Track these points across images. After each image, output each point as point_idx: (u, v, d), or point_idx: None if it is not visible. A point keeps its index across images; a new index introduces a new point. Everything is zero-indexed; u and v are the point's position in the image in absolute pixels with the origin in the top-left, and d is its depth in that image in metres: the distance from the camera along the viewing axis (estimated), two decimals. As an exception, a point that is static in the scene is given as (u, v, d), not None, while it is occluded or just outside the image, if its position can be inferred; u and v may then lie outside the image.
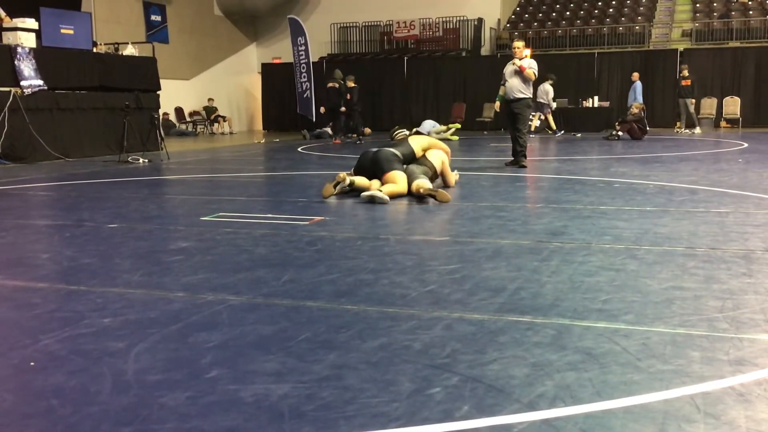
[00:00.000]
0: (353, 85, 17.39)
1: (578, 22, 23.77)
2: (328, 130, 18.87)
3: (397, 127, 8.37)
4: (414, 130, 16.74)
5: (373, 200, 6.66)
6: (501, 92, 10.30)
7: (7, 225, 5.79)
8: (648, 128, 16.52)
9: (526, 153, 10.04)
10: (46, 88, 12.55)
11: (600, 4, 24.43)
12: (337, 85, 17.54)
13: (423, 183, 6.81)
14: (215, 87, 24.07)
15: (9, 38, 12.28)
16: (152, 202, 7.14)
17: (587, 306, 3.28)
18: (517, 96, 9.87)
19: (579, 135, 18.27)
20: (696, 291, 3.50)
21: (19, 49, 12.13)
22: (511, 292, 3.52)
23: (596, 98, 20.12)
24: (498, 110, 11.08)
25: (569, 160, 11.42)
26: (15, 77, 12.00)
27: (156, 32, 21.35)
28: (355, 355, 2.68)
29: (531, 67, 9.78)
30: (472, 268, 4.04)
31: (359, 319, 3.13)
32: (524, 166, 9.83)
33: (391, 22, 24.84)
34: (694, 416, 2.14)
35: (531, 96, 10.04)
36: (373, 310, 3.26)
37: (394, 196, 6.83)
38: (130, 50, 15.07)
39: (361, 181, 7.15)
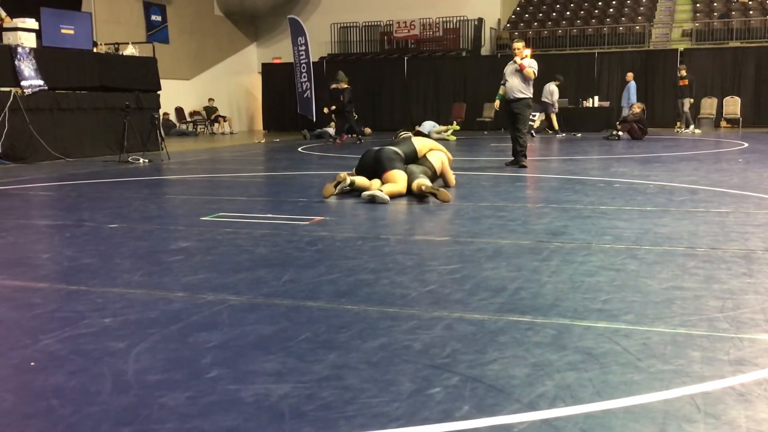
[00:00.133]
0: (346, 86, 17.43)
1: (578, 22, 23.78)
2: (329, 130, 18.89)
3: (400, 130, 8.40)
4: (415, 130, 16.77)
5: (373, 200, 6.66)
6: (501, 92, 10.30)
7: (8, 225, 5.80)
8: (648, 128, 16.52)
9: (526, 153, 10.04)
10: (46, 88, 12.55)
11: (600, 4, 24.43)
12: (350, 87, 17.73)
13: (424, 182, 6.81)
14: (215, 87, 24.07)
15: (9, 38, 12.28)
16: (152, 202, 7.14)
17: (587, 306, 3.28)
18: (517, 96, 9.87)
19: (579, 135, 18.27)
20: (696, 291, 3.50)
21: (20, 49, 12.14)
22: (511, 292, 3.52)
23: (596, 98, 20.12)
24: (498, 109, 11.08)
25: (569, 160, 11.42)
26: (15, 77, 12.01)
27: (156, 32, 21.36)
28: (356, 355, 2.68)
29: (531, 66, 9.78)
30: (473, 268, 4.04)
31: (359, 319, 3.13)
32: (524, 166, 9.82)
33: (391, 22, 24.84)
34: (694, 416, 2.14)
35: (531, 96, 10.05)
36: (373, 310, 3.26)
37: (393, 196, 6.83)
38: (130, 50, 15.08)
39: (361, 180, 7.16)
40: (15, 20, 12.43)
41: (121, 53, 15.00)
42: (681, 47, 21.31)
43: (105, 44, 15.17)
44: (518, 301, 3.36)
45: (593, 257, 4.26)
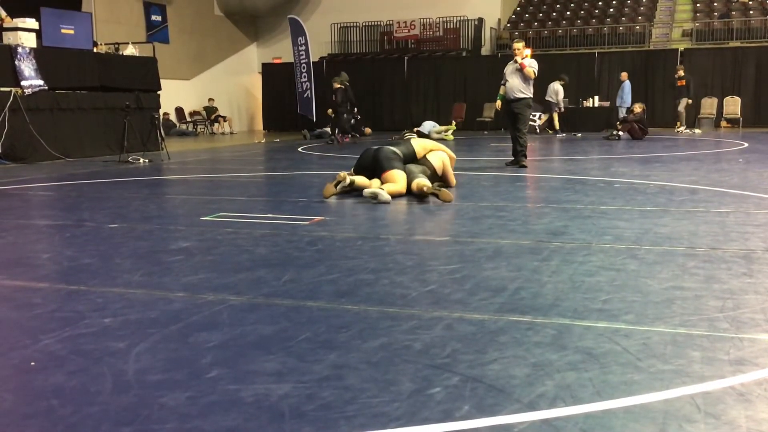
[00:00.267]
0: (338, 86, 17.46)
1: (579, 21, 23.77)
2: (329, 130, 18.91)
3: (405, 131, 8.42)
4: (415, 130, 16.76)
5: (375, 197, 6.64)
6: (501, 92, 10.31)
7: (8, 225, 5.80)
8: (648, 128, 16.52)
9: (526, 153, 10.04)
10: (46, 88, 12.55)
11: (600, 3, 24.43)
12: (342, 87, 17.75)
13: (424, 182, 6.81)
14: (215, 87, 24.07)
15: (9, 38, 12.28)
16: (152, 202, 7.14)
17: (588, 306, 3.27)
18: (517, 96, 9.87)
19: (579, 135, 18.27)
20: (696, 291, 3.50)
21: (20, 49, 12.14)
22: (511, 292, 3.52)
23: (596, 98, 20.12)
24: (499, 109, 11.08)
25: (570, 159, 11.42)
26: (15, 77, 12.01)
27: (156, 32, 21.35)
28: (356, 355, 2.68)
29: (531, 66, 9.79)
30: (473, 268, 4.04)
31: (360, 319, 3.13)
32: (525, 166, 9.82)
33: (391, 22, 24.84)
34: (694, 416, 2.14)
35: (531, 96, 10.05)
36: (373, 310, 3.26)
37: (393, 196, 6.82)
38: (130, 50, 15.08)
39: (361, 180, 7.15)
40: (15, 20, 12.43)
41: (121, 53, 15.00)
42: (681, 47, 21.31)
43: (105, 44, 15.17)
44: (518, 301, 3.36)
45: (593, 257, 4.26)
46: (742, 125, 19.77)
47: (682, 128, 18.49)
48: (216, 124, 23.36)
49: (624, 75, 19.12)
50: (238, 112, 25.82)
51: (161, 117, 16.61)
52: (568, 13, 24.41)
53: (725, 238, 4.75)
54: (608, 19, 23.54)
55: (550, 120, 19.21)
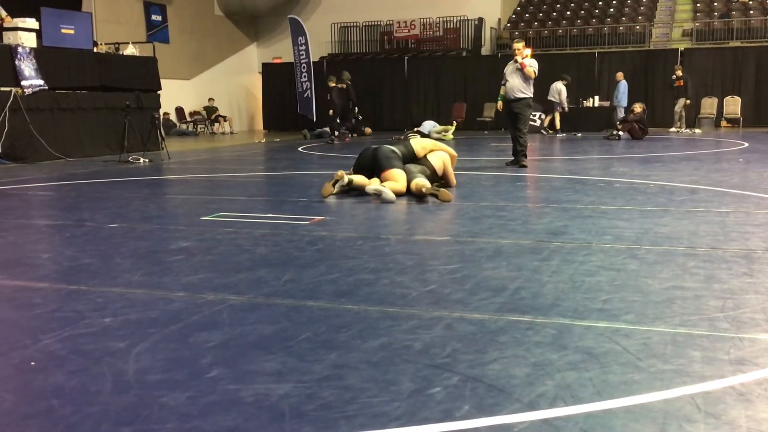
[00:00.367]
0: (333, 84, 17.48)
1: (579, 21, 23.77)
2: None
3: (409, 131, 8.42)
4: (415, 130, 16.76)
5: (379, 194, 6.62)
6: (502, 92, 10.30)
7: (8, 225, 5.80)
8: (648, 128, 16.52)
9: (526, 153, 10.04)
10: (46, 87, 12.55)
11: (601, 3, 24.43)
12: (344, 86, 17.81)
13: (423, 182, 6.80)
14: (216, 87, 24.08)
15: (10, 38, 12.28)
16: (153, 202, 7.14)
17: (588, 306, 3.27)
18: (517, 96, 9.87)
19: (579, 135, 18.27)
20: (697, 291, 3.50)
21: (20, 49, 12.14)
22: (511, 292, 3.52)
23: (597, 98, 20.11)
24: (500, 110, 11.08)
25: (570, 159, 11.42)
26: (16, 77, 12.01)
27: (156, 32, 21.35)
28: (356, 355, 2.68)
29: (531, 65, 9.79)
30: (473, 267, 4.04)
31: (360, 319, 3.13)
32: (525, 166, 9.82)
33: (391, 22, 24.84)
34: (694, 416, 2.14)
35: (531, 96, 10.05)
36: (373, 310, 3.26)
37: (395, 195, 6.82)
38: (130, 50, 15.08)
39: (359, 179, 7.14)
40: (15, 20, 12.43)
41: (121, 53, 15.00)
42: (681, 47, 21.31)
43: (105, 44, 15.17)
44: (518, 301, 3.36)
45: (593, 257, 4.26)
46: (742, 125, 19.77)
47: (674, 129, 18.54)
48: (216, 124, 23.36)
49: (619, 75, 19.16)
50: (238, 112, 25.82)
51: (161, 117, 16.61)
52: (568, 12, 24.41)
53: (725, 238, 4.75)
54: (608, 19, 23.54)
55: (552, 120, 19.21)
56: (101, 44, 14.96)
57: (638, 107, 16.41)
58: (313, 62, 21.30)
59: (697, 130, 18.86)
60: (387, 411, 2.20)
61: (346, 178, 7.03)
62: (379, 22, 25.01)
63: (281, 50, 25.19)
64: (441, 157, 7.60)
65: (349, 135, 18.62)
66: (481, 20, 23.56)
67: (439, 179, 7.53)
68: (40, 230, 5.69)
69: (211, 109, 23.49)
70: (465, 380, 2.43)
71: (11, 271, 4.18)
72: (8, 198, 7.60)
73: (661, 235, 4.90)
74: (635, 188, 7.40)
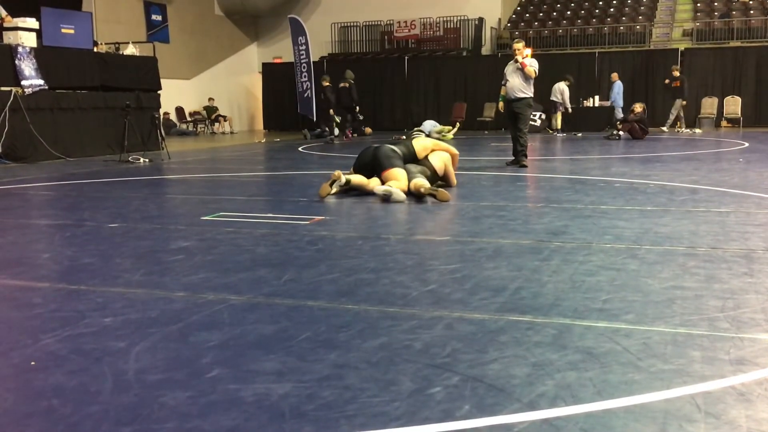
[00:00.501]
0: (327, 84, 17.47)
1: (579, 21, 23.77)
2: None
3: (413, 130, 8.40)
4: (415, 129, 16.77)
5: (389, 196, 6.60)
6: (502, 92, 10.31)
7: (8, 224, 5.80)
8: (649, 128, 16.52)
9: (526, 152, 10.04)
10: (46, 87, 12.55)
11: (601, 3, 24.42)
12: (347, 85, 17.84)
13: (422, 182, 6.80)
14: (216, 87, 24.07)
15: (10, 38, 12.28)
16: (153, 202, 7.14)
17: (588, 305, 3.27)
18: (518, 96, 9.88)
19: (580, 135, 18.27)
20: (697, 290, 3.50)
21: (20, 49, 12.14)
22: (511, 292, 3.52)
23: (597, 98, 20.10)
24: (502, 110, 11.06)
25: (570, 159, 11.42)
26: (16, 77, 12.01)
27: (157, 32, 21.34)
28: (356, 355, 2.68)
29: (532, 65, 9.79)
30: (473, 267, 4.04)
31: (360, 319, 3.13)
32: (525, 166, 9.82)
33: (391, 22, 24.84)
34: (694, 416, 2.14)
35: (532, 95, 10.05)
36: (373, 310, 3.26)
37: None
38: (130, 50, 15.08)
39: (358, 179, 7.13)
40: (15, 20, 12.43)
41: (121, 53, 15.00)
42: (682, 47, 21.30)
43: (105, 44, 15.18)
44: (519, 301, 3.36)
45: (594, 257, 4.26)
46: (742, 125, 19.76)
47: (665, 128, 18.64)
48: (216, 124, 23.36)
49: (614, 76, 19.18)
50: (238, 111, 25.82)
51: (161, 116, 16.62)
52: (569, 12, 24.41)
53: (726, 238, 4.75)
54: (609, 19, 23.53)
55: (551, 120, 19.20)
56: (101, 44, 14.96)
57: (638, 107, 16.40)
58: (314, 62, 21.31)
59: (698, 130, 18.86)
60: (387, 411, 2.20)
61: (343, 178, 7.01)
62: (379, 22, 25.01)
63: (281, 50, 25.19)
64: (442, 157, 7.60)
65: (350, 135, 18.64)
66: (481, 20, 23.56)
67: (440, 179, 7.53)
68: (41, 230, 5.69)
69: (211, 109, 23.49)
70: (465, 380, 2.43)
71: (11, 271, 4.18)
72: (8, 198, 7.60)
73: (661, 235, 4.90)
74: (635, 188, 7.40)
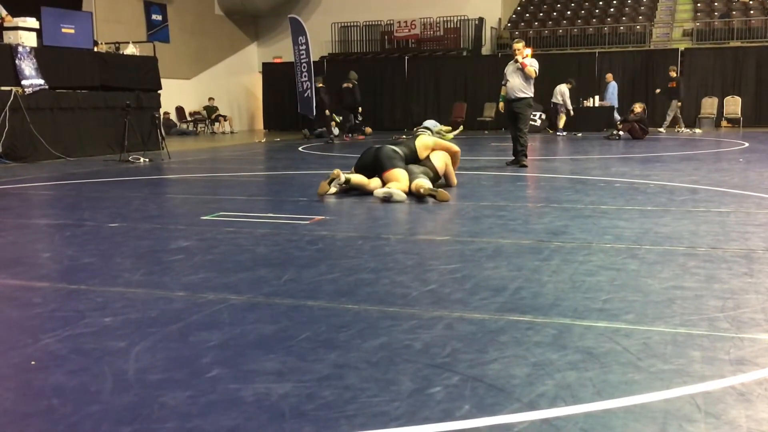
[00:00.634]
0: (321, 85, 17.47)
1: (579, 21, 23.77)
2: (333, 130, 18.96)
3: (417, 129, 8.40)
4: (415, 129, 16.77)
5: (390, 197, 6.60)
6: (502, 92, 10.31)
7: (8, 224, 5.80)
8: (649, 128, 16.52)
9: (527, 152, 10.04)
10: (47, 87, 12.55)
11: (601, 3, 24.43)
12: (351, 85, 17.87)
13: (422, 183, 6.80)
14: (216, 86, 24.07)
15: (10, 37, 12.28)
16: (153, 202, 7.14)
17: (588, 305, 3.27)
18: (518, 95, 9.88)
19: (580, 135, 18.27)
20: (697, 290, 3.50)
21: (20, 49, 12.14)
22: (511, 292, 3.52)
23: (597, 98, 20.11)
24: (502, 110, 11.06)
25: (570, 159, 11.42)
26: (16, 76, 12.01)
27: (157, 32, 21.33)
28: (356, 355, 2.68)
29: (532, 65, 9.79)
30: (473, 267, 4.04)
31: (360, 319, 3.13)
32: (525, 166, 9.83)
33: (391, 22, 24.84)
34: (694, 416, 2.14)
35: (532, 95, 10.06)
36: (373, 310, 3.26)
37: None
38: (131, 50, 15.08)
39: (358, 179, 7.13)
40: (16, 19, 12.43)
41: (121, 52, 15.00)
42: (682, 47, 21.30)
43: (105, 43, 15.18)
44: (519, 301, 3.36)
45: (594, 257, 4.26)
46: (742, 125, 19.76)
47: (663, 127, 18.63)
48: (216, 124, 23.36)
49: (609, 76, 19.21)
50: (238, 111, 25.82)
51: (161, 116, 16.61)
52: (569, 12, 24.41)
53: (726, 238, 4.75)
54: (609, 19, 23.53)
55: (550, 120, 19.20)
56: (101, 44, 14.96)
57: (639, 107, 16.40)
58: (314, 62, 21.30)
59: (698, 130, 18.86)
60: (387, 411, 2.20)
61: (343, 177, 7.01)
62: (379, 22, 25.01)
63: (281, 50, 25.18)
64: (442, 157, 7.60)
65: (350, 134, 18.64)
66: (481, 20, 23.56)
67: (440, 179, 7.53)
68: (41, 229, 5.69)
69: (211, 109, 23.49)
70: (465, 380, 2.43)
71: (11, 271, 4.18)
72: (8, 197, 7.60)
73: (661, 235, 4.90)
74: (635, 188, 7.40)
